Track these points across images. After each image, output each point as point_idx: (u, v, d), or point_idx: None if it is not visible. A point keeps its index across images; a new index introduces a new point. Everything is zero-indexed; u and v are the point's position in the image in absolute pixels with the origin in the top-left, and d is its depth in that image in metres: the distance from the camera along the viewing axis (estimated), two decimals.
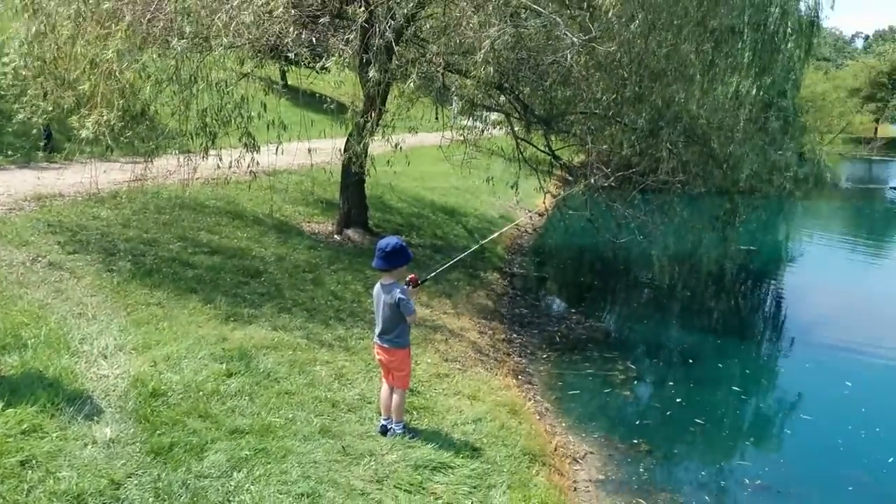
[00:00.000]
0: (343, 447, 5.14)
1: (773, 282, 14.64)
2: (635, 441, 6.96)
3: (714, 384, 8.67)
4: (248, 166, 8.45)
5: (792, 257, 18.30)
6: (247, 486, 4.38)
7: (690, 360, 9.48)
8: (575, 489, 5.87)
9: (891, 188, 32.83)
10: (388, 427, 5.51)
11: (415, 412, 6.01)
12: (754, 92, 13.67)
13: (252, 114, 8.89)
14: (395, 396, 5.49)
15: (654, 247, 13.63)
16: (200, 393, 5.48)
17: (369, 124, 9.58)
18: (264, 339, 6.87)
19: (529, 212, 16.26)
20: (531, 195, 19.65)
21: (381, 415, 5.63)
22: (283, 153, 9.18)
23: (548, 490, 5.31)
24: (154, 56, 7.73)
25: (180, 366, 5.85)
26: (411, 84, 9.45)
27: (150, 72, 7.94)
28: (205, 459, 4.58)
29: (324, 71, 9.84)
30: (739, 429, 7.81)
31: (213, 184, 12.53)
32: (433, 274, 6.16)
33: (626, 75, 10.58)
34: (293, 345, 6.90)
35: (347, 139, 10.73)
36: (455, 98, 13.80)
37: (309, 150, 10.54)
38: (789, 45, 17.96)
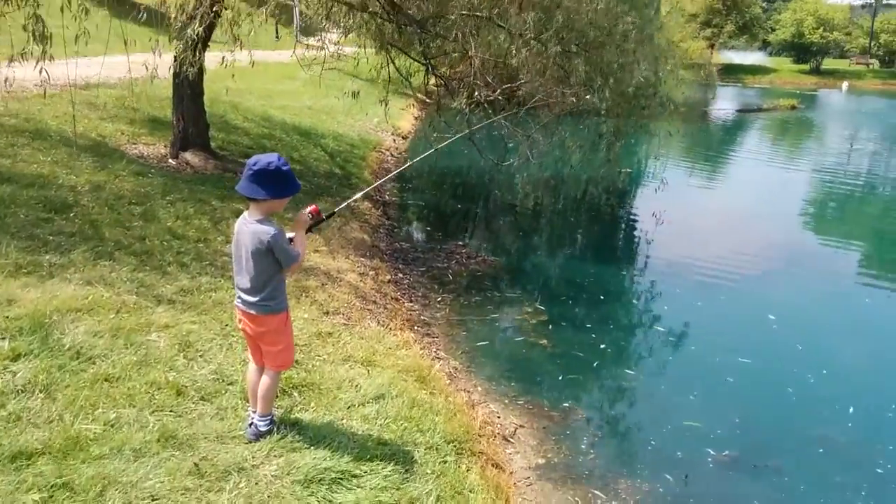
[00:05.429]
0: (196, 464, 3.46)
1: (661, 205, 13.85)
2: (567, 405, 5.71)
3: (636, 325, 7.65)
4: (38, 63, 6.09)
5: (669, 179, 17.71)
6: None
7: (602, 297, 8.37)
8: (516, 484, 4.53)
9: (737, 110, 33.93)
10: (253, 422, 3.88)
11: (295, 392, 4.41)
12: None
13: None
14: (264, 378, 3.82)
15: (531, 168, 12.41)
16: None
17: (200, 29, 7.53)
18: (73, 298, 4.93)
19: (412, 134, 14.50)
20: (392, 116, 18.02)
21: (248, 404, 3.98)
22: (102, 67, 6.97)
23: (487, 493, 3.93)
24: None
25: None
26: None
27: None
28: None
29: None
30: (680, 379, 6.59)
31: (8, 98, 9.91)
32: (343, 206, 4.39)
33: None
34: (116, 304, 5.02)
35: (177, 49, 8.59)
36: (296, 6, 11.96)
37: (135, 63, 8.21)
38: None
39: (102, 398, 3.87)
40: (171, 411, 3.92)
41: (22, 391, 3.75)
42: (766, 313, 7.94)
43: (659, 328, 7.60)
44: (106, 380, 4.05)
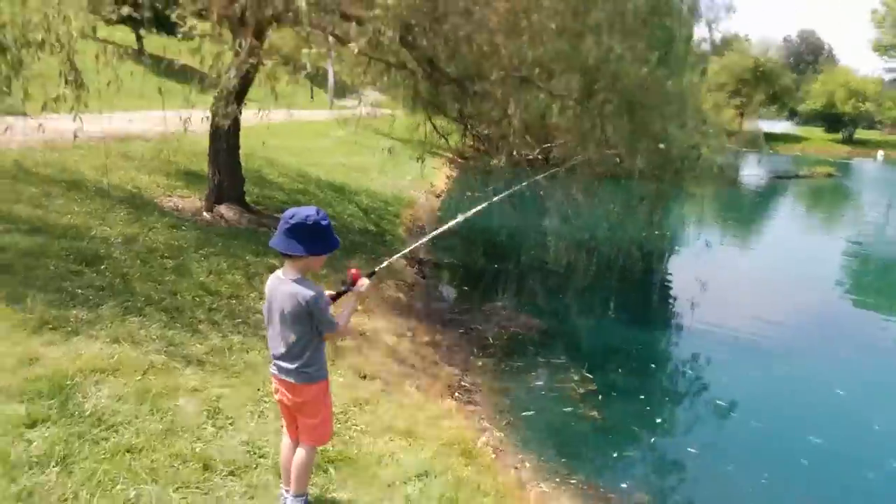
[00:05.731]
0: None
1: (704, 269, 13.15)
2: (625, 486, 5.22)
3: (690, 396, 7.13)
4: (72, 109, 5.92)
5: (710, 243, 17.22)
6: None
7: (652, 365, 7.89)
8: None
9: (774, 176, 33.41)
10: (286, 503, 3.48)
11: (331, 468, 4.01)
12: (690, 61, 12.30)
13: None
14: (299, 453, 3.44)
15: (569, 228, 12.06)
16: None
17: (235, 80, 7.43)
18: (98, 357, 4.62)
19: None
20: (425, 175, 17.96)
21: (281, 481, 3.60)
22: (137, 120, 6.86)
23: None
24: None
25: None
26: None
27: None
28: None
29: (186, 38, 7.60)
30: (747, 459, 5.91)
31: (46, 148, 9.87)
32: (385, 263, 4.06)
33: (554, 27, 8.97)
34: (143, 365, 4.70)
35: (214, 102, 8.54)
36: (331, 68, 12.07)
37: (171, 117, 8.09)
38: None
39: (123, 472, 3.51)
40: (196, 488, 3.55)
41: (36, 463, 3.41)
42: (831, 388, 7.37)
43: (717, 401, 7.05)
44: (128, 451, 3.69)
